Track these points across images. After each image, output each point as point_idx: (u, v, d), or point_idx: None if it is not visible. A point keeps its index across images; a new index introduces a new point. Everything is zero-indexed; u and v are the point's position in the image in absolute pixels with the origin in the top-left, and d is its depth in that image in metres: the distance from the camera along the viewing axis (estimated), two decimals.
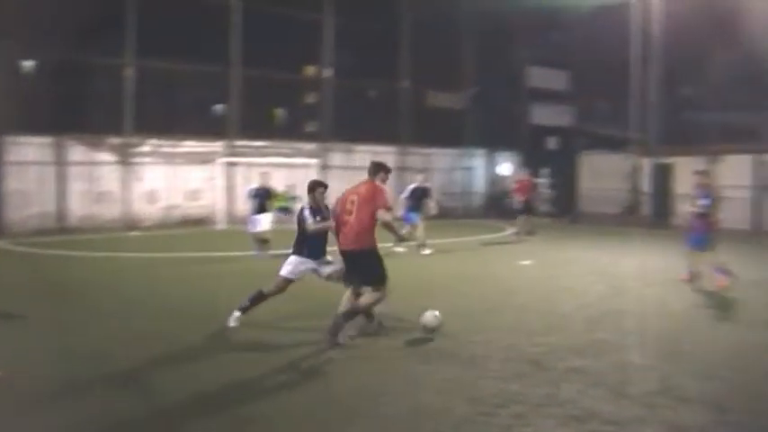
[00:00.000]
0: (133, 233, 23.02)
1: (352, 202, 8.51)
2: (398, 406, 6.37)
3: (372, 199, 8.46)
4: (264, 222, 16.29)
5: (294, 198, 23.23)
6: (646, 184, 28.33)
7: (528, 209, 22.08)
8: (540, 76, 33.31)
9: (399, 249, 16.09)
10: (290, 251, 9.11)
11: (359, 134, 29.20)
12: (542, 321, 9.70)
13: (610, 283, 12.96)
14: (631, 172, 28.70)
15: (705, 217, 12.46)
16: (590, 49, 29.95)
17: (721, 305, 11.08)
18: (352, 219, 8.45)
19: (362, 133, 29.35)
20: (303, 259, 8.97)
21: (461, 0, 29.61)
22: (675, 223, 26.35)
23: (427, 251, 17.19)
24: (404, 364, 7.70)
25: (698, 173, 13.12)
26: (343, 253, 8.62)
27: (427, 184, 18.44)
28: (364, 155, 28.87)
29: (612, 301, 11.48)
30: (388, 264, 8.67)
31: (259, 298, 9.07)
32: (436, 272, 14.88)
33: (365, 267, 8.52)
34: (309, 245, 8.96)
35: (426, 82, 31.31)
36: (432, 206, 18.24)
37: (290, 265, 8.98)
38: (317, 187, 9.15)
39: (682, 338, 8.85)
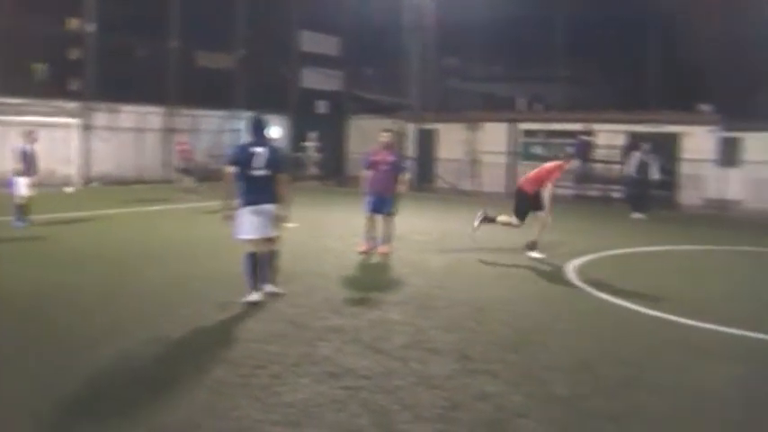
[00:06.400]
0: None
1: None
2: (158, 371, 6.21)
3: None
4: (24, 186, 14.96)
5: None
6: (411, 149, 29.38)
7: (188, 171, 22.81)
8: (311, 41, 33.44)
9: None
10: None
11: (125, 94, 27.83)
12: (302, 282, 9.76)
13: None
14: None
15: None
16: (361, 15, 30.53)
17: (474, 264, 11.77)
18: None
19: (129, 93, 28.01)
20: None
21: None
22: (438, 186, 27.88)
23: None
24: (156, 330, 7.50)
25: (385, 131, 12.78)
26: None
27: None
28: (130, 115, 27.69)
29: (373, 260, 11.85)
30: None
31: None
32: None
33: None
34: None
35: (196, 41, 30.37)
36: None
37: None
38: None
39: (434, 294, 9.31)
